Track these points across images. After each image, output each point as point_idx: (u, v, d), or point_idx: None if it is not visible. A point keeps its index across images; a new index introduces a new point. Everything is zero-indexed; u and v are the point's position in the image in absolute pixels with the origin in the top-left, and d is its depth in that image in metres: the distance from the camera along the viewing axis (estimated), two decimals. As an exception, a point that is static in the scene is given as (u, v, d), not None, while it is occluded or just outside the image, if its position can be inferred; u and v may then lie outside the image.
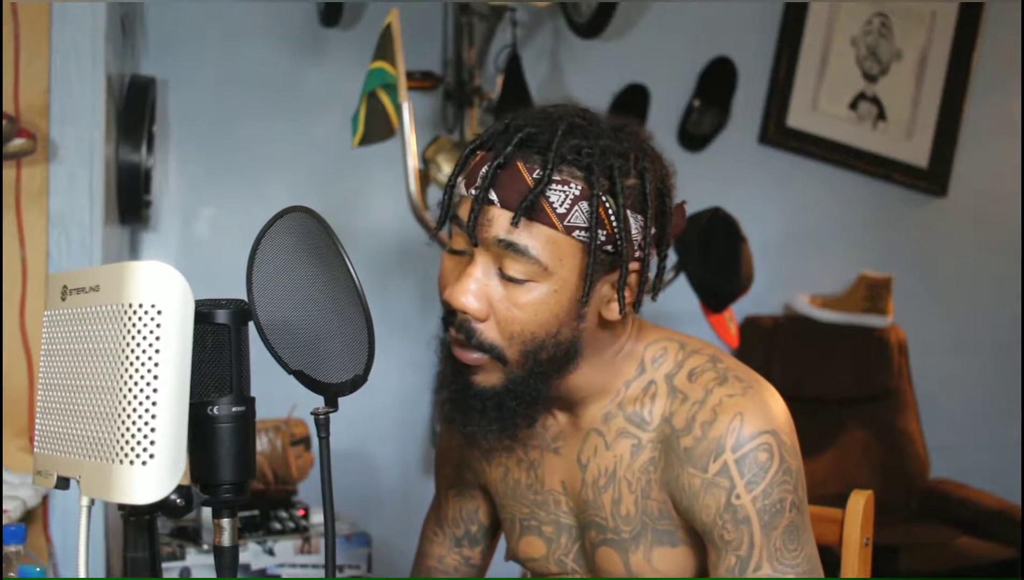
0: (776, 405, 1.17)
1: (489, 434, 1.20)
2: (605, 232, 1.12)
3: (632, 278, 1.17)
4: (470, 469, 1.41)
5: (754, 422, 1.14)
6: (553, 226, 1.11)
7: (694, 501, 1.16)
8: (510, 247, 1.12)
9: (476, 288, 1.14)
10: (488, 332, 1.15)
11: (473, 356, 1.16)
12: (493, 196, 1.13)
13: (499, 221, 1.12)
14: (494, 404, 1.18)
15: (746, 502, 1.12)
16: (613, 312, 1.17)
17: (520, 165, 1.12)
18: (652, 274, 1.20)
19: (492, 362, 1.16)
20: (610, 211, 1.12)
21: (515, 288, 1.13)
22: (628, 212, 1.13)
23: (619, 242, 1.13)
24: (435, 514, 1.50)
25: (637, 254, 1.15)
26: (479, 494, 1.44)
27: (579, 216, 1.12)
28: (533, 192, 1.10)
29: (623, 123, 1.18)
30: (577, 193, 1.12)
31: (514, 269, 1.13)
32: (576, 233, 1.12)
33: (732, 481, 1.13)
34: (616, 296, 1.16)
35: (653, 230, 1.16)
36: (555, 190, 1.11)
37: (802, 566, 1.13)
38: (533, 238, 1.11)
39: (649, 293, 1.20)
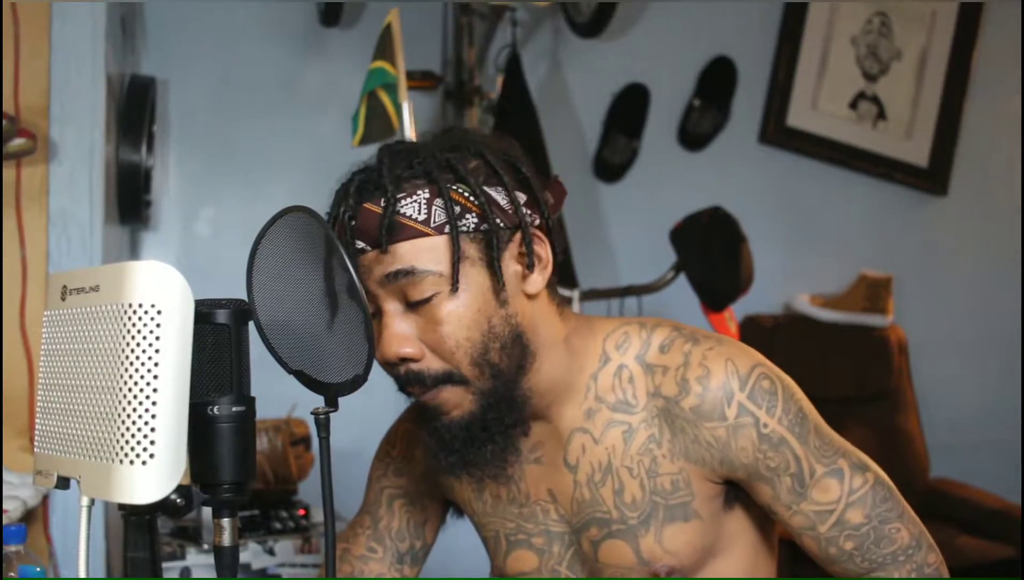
0: (749, 347, 1.23)
1: (488, 455, 1.19)
2: (474, 214, 1.14)
3: (514, 248, 1.17)
4: (436, 483, 1.39)
5: (743, 362, 1.19)
6: (422, 234, 1.13)
7: (727, 450, 1.18)
8: (399, 275, 1.13)
9: (399, 332, 1.15)
10: (433, 364, 1.16)
11: (442, 395, 1.17)
12: (360, 244, 1.14)
13: (376, 263, 1.14)
14: (480, 426, 1.18)
15: (774, 426, 1.17)
16: (534, 284, 1.19)
17: (367, 206, 1.14)
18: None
19: (454, 390, 1.17)
20: (466, 194, 1.14)
21: (427, 309, 1.14)
22: (486, 188, 1.15)
23: (489, 216, 1.14)
24: (371, 529, 1.42)
25: (515, 222, 1.17)
26: (433, 508, 1.42)
27: (440, 214, 1.13)
28: (386, 213, 1.12)
29: (446, 128, 1.23)
30: (428, 196, 1.13)
31: (416, 293, 1.13)
32: (448, 229, 1.13)
33: (754, 415, 1.17)
34: (525, 267, 1.18)
35: (524, 198, 1.18)
36: (407, 204, 1.13)
37: (839, 452, 1.19)
38: (413, 256, 1.13)
39: (557, 258, 1.21)
